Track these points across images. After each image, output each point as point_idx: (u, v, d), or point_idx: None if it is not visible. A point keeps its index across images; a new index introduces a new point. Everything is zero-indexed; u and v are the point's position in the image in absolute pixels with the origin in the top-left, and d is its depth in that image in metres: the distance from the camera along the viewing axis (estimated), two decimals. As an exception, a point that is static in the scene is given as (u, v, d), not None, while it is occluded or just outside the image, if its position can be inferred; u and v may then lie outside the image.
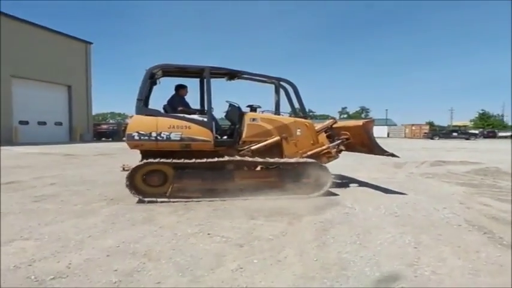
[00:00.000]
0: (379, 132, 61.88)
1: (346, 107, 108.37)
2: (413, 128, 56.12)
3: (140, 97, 4.90)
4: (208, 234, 3.34)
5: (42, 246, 2.95)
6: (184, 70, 5.51)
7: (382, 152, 5.52)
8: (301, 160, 5.21)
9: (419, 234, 3.35)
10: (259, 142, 5.26)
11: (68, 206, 4.47)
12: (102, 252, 2.81)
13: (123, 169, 5.51)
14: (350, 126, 6.03)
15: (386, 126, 65.35)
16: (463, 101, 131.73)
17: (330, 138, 5.94)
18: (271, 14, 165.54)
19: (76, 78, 27.22)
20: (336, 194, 5.29)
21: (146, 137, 4.80)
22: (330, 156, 5.75)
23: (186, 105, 5.55)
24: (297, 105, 5.90)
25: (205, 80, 5.23)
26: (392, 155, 5.50)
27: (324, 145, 5.68)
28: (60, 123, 25.76)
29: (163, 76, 5.52)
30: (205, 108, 5.33)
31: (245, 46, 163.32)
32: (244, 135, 5.24)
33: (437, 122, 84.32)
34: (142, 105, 4.97)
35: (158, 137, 4.83)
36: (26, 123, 23.02)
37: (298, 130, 5.49)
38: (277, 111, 5.79)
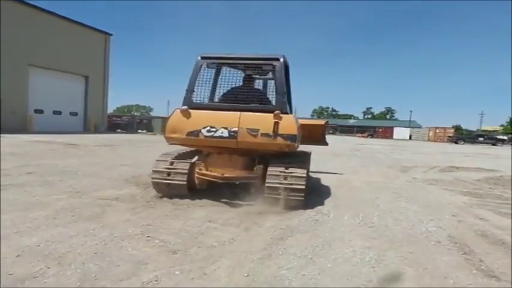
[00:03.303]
0: (400, 134, 60.11)
1: (371, 107, 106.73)
2: (438, 131, 53.85)
3: None
4: (148, 237, 3.02)
5: (-42, 240, 2.71)
6: None
7: (325, 143, 6.86)
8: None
9: (385, 251, 2.90)
10: None
11: (26, 197, 4.26)
12: (16, 252, 2.53)
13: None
14: (312, 124, 7.06)
15: (408, 129, 63.27)
16: (496, 105, 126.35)
17: None
18: (297, 13, 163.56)
19: (94, 69, 27.42)
20: (319, 199, 4.83)
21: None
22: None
23: None
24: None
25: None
26: (326, 144, 6.89)
27: None
28: (75, 114, 26.05)
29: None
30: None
31: (268, 45, 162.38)
32: None
33: (465, 126, 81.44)
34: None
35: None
36: (41, 112, 23.24)
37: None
38: None
